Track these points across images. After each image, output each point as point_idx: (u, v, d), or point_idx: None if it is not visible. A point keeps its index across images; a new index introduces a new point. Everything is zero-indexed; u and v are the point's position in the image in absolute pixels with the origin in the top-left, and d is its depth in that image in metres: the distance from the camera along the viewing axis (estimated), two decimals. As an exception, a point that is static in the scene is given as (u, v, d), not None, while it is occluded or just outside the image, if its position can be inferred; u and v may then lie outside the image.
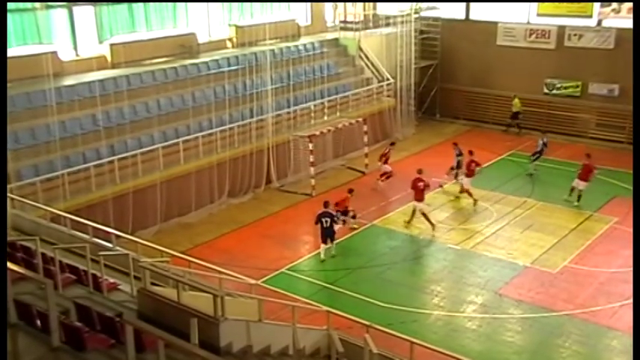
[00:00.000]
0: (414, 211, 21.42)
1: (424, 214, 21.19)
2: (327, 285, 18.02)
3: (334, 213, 19.85)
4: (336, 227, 19.75)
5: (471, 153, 23.84)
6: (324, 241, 19.53)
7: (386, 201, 23.51)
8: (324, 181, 25.14)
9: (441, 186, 24.68)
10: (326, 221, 19.33)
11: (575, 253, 19.54)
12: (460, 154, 25.00)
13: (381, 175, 25.17)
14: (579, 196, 22.77)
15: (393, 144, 26.76)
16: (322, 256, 19.48)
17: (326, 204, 19.83)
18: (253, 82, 25.19)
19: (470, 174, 23.26)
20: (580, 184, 22.75)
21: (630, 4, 27.90)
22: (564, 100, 30.71)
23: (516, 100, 31.03)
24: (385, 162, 25.34)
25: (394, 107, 30.69)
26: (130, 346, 7.72)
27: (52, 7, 22.09)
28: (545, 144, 26.15)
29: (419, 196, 21.30)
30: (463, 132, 31.95)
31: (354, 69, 30.77)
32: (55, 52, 21.52)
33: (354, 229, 21.40)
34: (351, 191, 21.77)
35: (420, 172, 21.64)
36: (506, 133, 31.30)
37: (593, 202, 22.95)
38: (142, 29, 24.68)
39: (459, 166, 24.90)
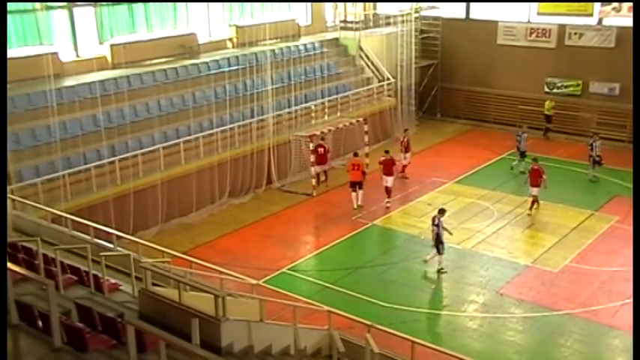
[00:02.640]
0: (322, 174, 24.88)
1: (319, 175, 24.75)
2: (329, 285, 18.01)
3: (438, 220, 18.50)
4: (443, 237, 18.50)
5: (405, 131, 26.55)
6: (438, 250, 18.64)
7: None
8: (324, 180, 25.15)
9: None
10: (432, 229, 18.62)
11: (576, 252, 19.53)
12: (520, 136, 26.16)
13: (404, 167, 25.65)
14: (533, 202, 22.03)
15: (406, 130, 26.79)
16: (438, 265, 18.65)
17: (441, 210, 18.96)
18: (254, 82, 25.20)
19: (408, 149, 25.74)
20: (533, 191, 22.01)
21: (630, 3, 27.87)
22: (565, 99, 30.69)
23: (548, 103, 30.25)
24: (406, 150, 25.57)
25: (395, 107, 30.68)
26: (131, 346, 7.73)
27: (52, 7, 22.09)
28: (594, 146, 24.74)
29: (321, 160, 24.53)
30: (464, 131, 31.97)
31: (355, 69, 30.77)
32: (55, 53, 21.50)
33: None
34: (356, 154, 23.82)
35: (323, 138, 24.95)
36: (546, 138, 30.23)
37: (594, 201, 22.95)
38: (143, 30, 24.68)
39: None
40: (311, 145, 24.24)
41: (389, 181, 22.98)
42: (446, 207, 22.74)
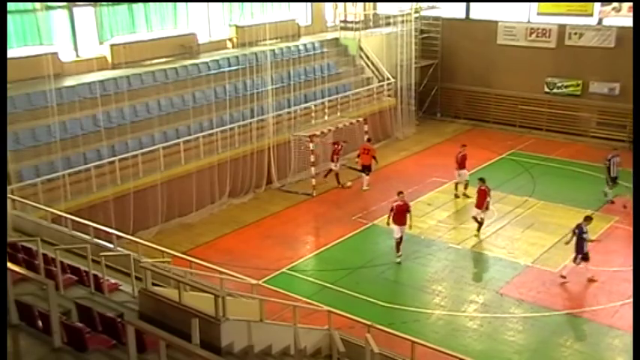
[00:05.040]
0: (334, 172, 24.89)
1: (335, 174, 24.86)
2: (328, 285, 18.01)
3: (584, 228, 17.57)
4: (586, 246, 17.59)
5: (463, 146, 24.12)
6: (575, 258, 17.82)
7: (387, 201, 23.44)
8: (324, 180, 25.14)
9: None
10: (574, 232, 17.74)
11: (576, 252, 19.52)
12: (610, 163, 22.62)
13: (464, 187, 23.56)
14: (480, 224, 20.66)
15: (464, 146, 24.18)
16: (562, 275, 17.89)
17: (587, 218, 17.98)
18: (254, 82, 25.19)
19: (463, 165, 23.58)
20: (475, 211, 20.69)
21: (630, 3, 27.87)
22: (565, 99, 30.71)
23: None
24: (462, 166, 23.55)
25: (395, 107, 30.70)
26: (131, 346, 7.73)
27: (52, 7, 22.09)
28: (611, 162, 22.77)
29: (331, 157, 24.80)
30: (464, 131, 31.97)
31: (355, 69, 30.77)
32: (55, 53, 21.51)
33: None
34: (370, 140, 25.47)
35: (345, 141, 25.16)
36: None
37: (594, 201, 22.94)
38: (143, 30, 24.67)
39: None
40: (310, 146, 24.22)
41: (399, 231, 19.05)
42: (445, 207, 22.87)
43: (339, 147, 24.93)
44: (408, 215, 19.01)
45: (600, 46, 29.35)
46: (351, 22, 32.42)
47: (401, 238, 19.03)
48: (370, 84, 30.31)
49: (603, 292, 17.49)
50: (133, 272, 12.24)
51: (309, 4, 31.31)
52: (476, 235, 20.56)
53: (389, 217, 19.11)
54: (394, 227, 19.02)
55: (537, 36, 30.97)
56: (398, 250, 19.13)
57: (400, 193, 19.52)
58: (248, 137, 24.09)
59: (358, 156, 24.94)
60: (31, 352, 8.41)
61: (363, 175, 24.64)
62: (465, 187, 23.52)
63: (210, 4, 27.12)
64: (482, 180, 20.82)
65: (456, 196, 23.65)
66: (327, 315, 11.83)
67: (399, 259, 19.11)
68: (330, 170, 25.14)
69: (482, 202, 20.41)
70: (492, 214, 22.13)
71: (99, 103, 20.97)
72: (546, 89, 31.18)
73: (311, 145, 24.20)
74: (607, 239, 20.36)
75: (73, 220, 14.89)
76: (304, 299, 15.66)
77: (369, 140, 25.69)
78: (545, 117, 31.10)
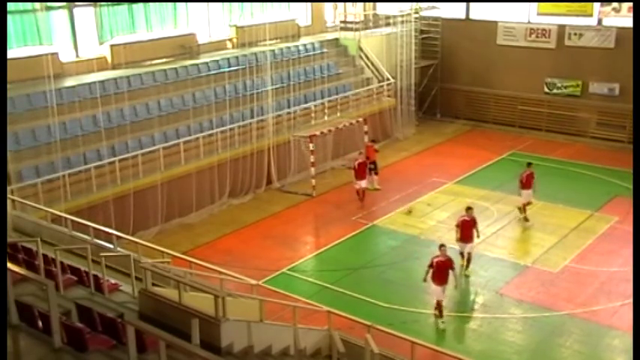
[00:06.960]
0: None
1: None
2: (328, 285, 18.01)
3: None
4: None
5: (529, 165, 21.64)
6: None
7: (387, 201, 23.51)
8: (324, 181, 25.15)
9: None
10: None
11: (575, 253, 19.52)
12: None
13: (524, 206, 21.46)
14: (469, 259, 18.40)
15: (530, 164, 21.78)
16: None
17: None
18: (254, 82, 25.22)
19: (528, 185, 21.10)
20: (466, 247, 18.25)
21: (630, 3, 27.88)
22: (565, 100, 30.71)
23: None
24: (526, 186, 21.16)
25: (394, 107, 30.70)
26: (131, 346, 7.74)
27: (52, 8, 22.12)
28: None
29: (361, 172, 23.52)
30: (464, 132, 31.98)
31: (355, 69, 30.77)
32: (55, 54, 21.52)
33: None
34: (373, 141, 25.77)
35: (360, 152, 24.28)
36: None
37: (593, 202, 22.94)
38: (143, 30, 24.71)
39: None
40: (310, 146, 24.21)
41: (441, 292, 15.95)
42: (445, 207, 22.85)
43: (367, 162, 23.99)
44: (451, 272, 15.85)
45: (600, 46, 29.36)
46: (351, 22, 32.45)
47: (440, 301, 16.00)
48: (370, 84, 30.31)
49: (603, 292, 17.49)
50: (133, 272, 12.24)
51: (309, 4, 31.32)
52: (466, 269, 18.35)
53: (426, 274, 16.03)
54: (434, 288, 15.95)
55: (537, 36, 30.98)
56: (441, 314, 15.98)
57: (442, 246, 16.18)
58: (248, 137, 24.10)
59: (367, 158, 24.32)
60: (31, 353, 8.42)
61: (373, 174, 24.63)
62: (525, 209, 21.47)
63: (210, 4, 27.14)
64: (470, 208, 18.42)
65: (526, 220, 21.45)
66: (327, 315, 11.83)
67: (442, 325, 15.94)
68: (364, 193, 23.48)
69: (469, 235, 18.04)
70: (492, 214, 22.18)
71: (99, 103, 20.97)
72: (546, 89, 31.18)
73: (311, 145, 24.20)
74: (606, 240, 20.38)
75: (72, 221, 14.88)
76: (304, 300, 15.59)
77: (373, 141, 25.88)
78: (544, 117, 31.10)
